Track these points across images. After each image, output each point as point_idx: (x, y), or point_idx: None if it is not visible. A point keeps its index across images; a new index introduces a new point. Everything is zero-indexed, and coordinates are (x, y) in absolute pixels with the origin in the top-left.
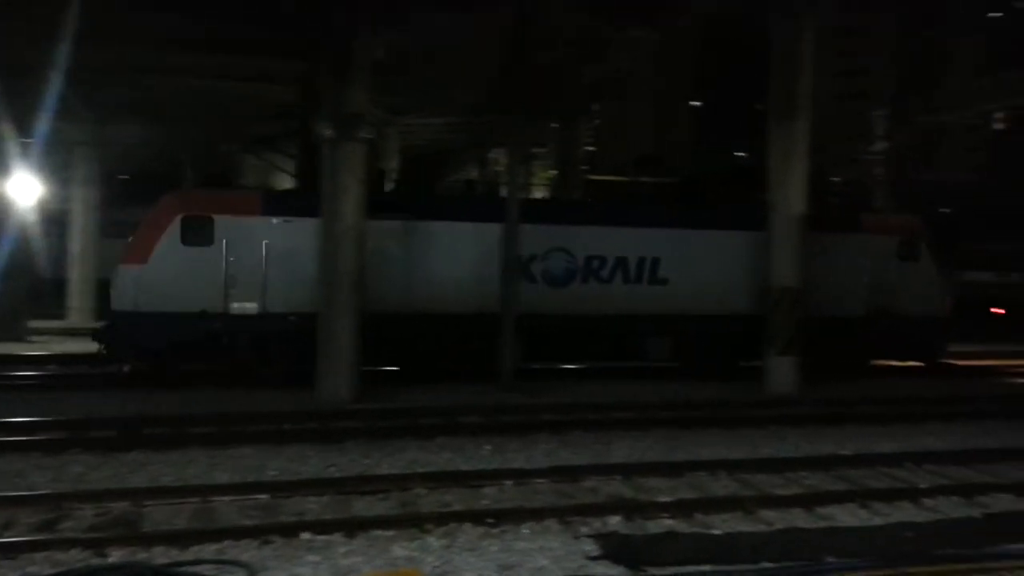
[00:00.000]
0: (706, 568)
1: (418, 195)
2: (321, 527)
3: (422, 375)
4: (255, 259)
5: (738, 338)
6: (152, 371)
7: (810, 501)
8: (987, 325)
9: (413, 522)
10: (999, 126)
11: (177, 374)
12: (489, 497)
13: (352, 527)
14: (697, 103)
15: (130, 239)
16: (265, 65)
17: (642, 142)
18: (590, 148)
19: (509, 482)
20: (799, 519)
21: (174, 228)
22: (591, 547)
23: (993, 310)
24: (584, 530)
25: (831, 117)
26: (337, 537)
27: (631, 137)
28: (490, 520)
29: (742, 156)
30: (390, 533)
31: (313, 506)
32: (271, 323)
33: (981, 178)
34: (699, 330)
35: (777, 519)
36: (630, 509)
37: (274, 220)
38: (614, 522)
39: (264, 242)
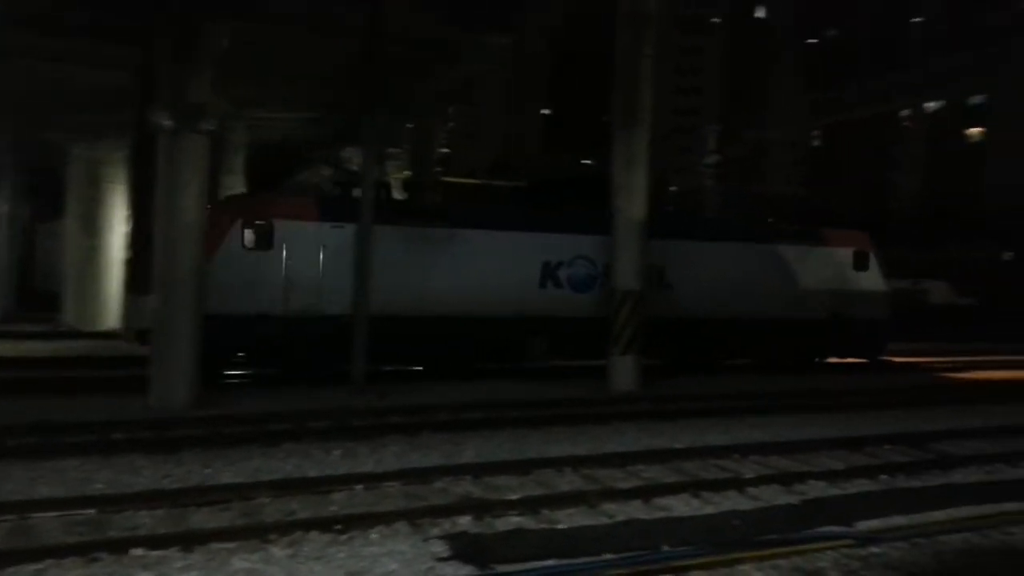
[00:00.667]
0: (552, 563)
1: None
2: (155, 542)
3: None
4: (313, 263)
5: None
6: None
7: (648, 493)
8: None
9: (256, 532)
10: (816, 143)
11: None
12: (337, 503)
13: (189, 540)
14: (547, 111)
15: None
16: (101, 49)
17: (495, 146)
18: (445, 150)
19: (358, 487)
20: (638, 511)
21: (235, 232)
22: (440, 548)
23: None
24: (434, 532)
25: (670, 130)
26: (173, 552)
27: (485, 141)
28: (338, 527)
29: (589, 163)
30: (231, 545)
31: (146, 520)
32: (326, 326)
33: (802, 190)
34: (570, 331)
35: (618, 511)
36: (479, 508)
37: (330, 225)
38: (464, 522)
39: (321, 247)
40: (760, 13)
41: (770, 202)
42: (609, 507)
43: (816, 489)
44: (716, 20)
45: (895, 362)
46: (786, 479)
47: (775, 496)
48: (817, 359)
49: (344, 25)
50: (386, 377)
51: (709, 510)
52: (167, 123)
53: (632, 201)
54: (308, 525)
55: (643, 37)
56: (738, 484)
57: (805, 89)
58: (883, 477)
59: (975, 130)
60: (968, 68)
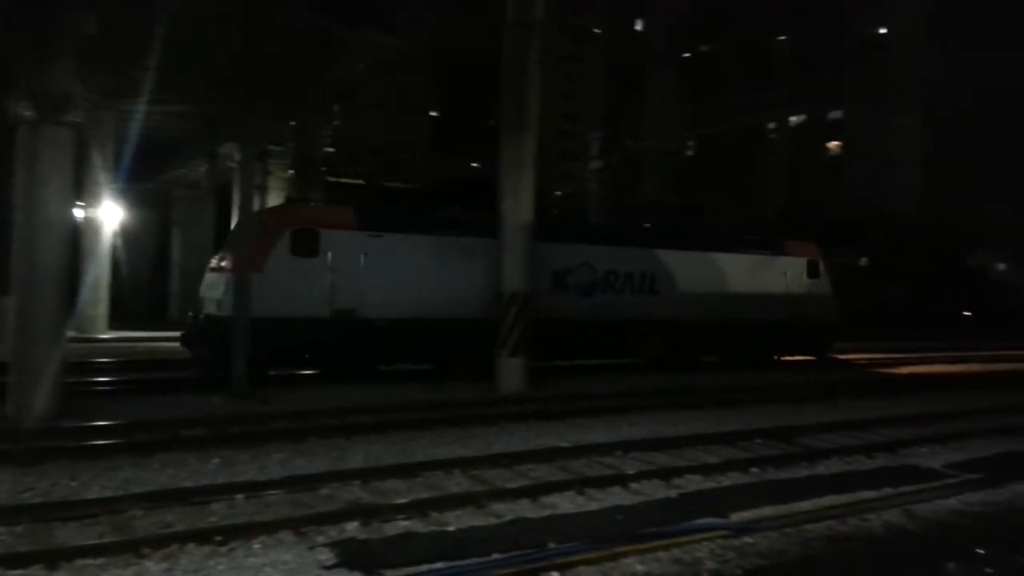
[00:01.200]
0: (441, 565)
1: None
2: (15, 560)
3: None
4: (354, 269)
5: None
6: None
7: (535, 492)
8: None
9: (128, 547)
10: (691, 152)
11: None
12: (217, 514)
13: (54, 558)
14: (435, 113)
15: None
16: None
17: (383, 147)
18: (330, 149)
19: (239, 496)
20: (526, 510)
21: (285, 239)
22: (327, 556)
23: None
24: (320, 539)
25: (554, 135)
26: (36, 570)
27: (373, 141)
28: (218, 538)
29: (477, 166)
30: (100, 561)
31: (4, 538)
32: (365, 328)
33: (677, 198)
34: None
35: (507, 511)
36: (367, 514)
37: (367, 234)
38: (351, 528)
39: (361, 254)
40: (639, 26)
41: (646, 208)
42: (498, 507)
43: (693, 483)
44: (597, 31)
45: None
46: (665, 474)
47: (655, 490)
48: (776, 357)
49: (220, 14)
50: (272, 382)
51: (594, 506)
52: (27, 114)
53: (519, 205)
54: (185, 538)
55: (530, 44)
56: (621, 480)
57: (680, 101)
58: (754, 470)
59: (833, 143)
60: (826, 85)
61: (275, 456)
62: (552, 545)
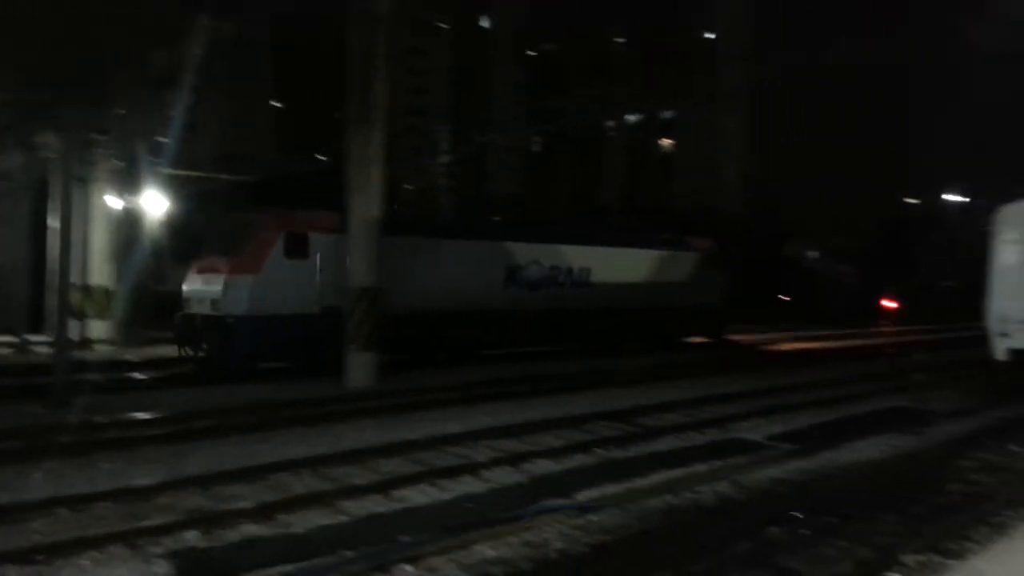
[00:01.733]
0: (289, 568)
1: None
2: None
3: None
4: (339, 268)
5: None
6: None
7: (387, 486)
8: None
9: None
10: (536, 148)
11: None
12: (39, 531)
13: None
14: (278, 104)
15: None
16: None
17: (222, 138)
18: (163, 140)
19: (63, 510)
20: (378, 505)
21: (280, 243)
22: (164, 568)
23: None
24: (156, 551)
25: (403, 130)
26: None
27: (210, 132)
28: (39, 557)
29: (323, 159)
30: None
31: None
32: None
33: (525, 192)
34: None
35: (357, 508)
36: (208, 521)
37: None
38: (191, 537)
39: (344, 255)
40: (485, 23)
41: (497, 203)
42: (348, 505)
43: (541, 467)
44: (444, 25)
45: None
46: (514, 460)
47: (505, 477)
48: (681, 339)
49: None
50: (103, 388)
51: (445, 497)
52: None
53: (368, 200)
54: (1, 559)
55: (377, 37)
56: (472, 469)
57: (526, 98)
58: (597, 451)
59: (667, 141)
60: (659, 86)
61: (105, 467)
62: (404, 538)
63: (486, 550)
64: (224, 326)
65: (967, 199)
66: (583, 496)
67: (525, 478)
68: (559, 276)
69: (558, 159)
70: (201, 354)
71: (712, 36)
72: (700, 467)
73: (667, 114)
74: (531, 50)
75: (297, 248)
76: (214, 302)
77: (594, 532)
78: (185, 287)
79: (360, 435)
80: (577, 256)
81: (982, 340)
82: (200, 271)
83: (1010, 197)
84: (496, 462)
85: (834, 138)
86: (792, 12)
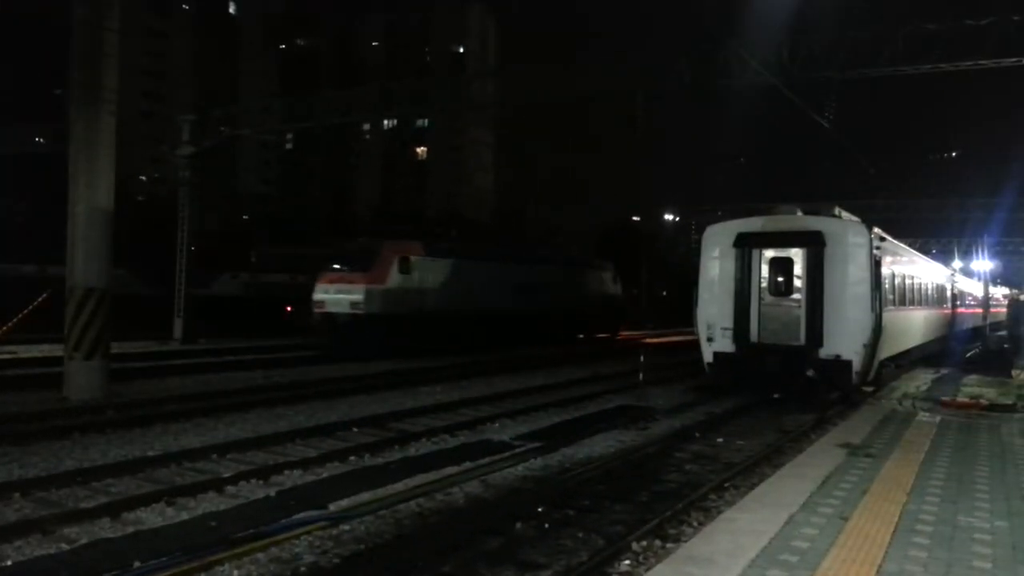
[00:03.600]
0: None
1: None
2: None
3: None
4: (431, 281)
5: None
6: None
7: (116, 509)
8: (280, 322)
9: None
10: (289, 145)
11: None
12: None
13: None
14: None
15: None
16: None
17: None
18: None
19: None
20: (106, 530)
21: (396, 263)
22: None
23: (287, 308)
24: None
25: (139, 116)
26: None
27: None
28: None
29: (41, 141)
30: None
31: None
32: (440, 316)
33: (276, 189)
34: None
35: (81, 534)
36: None
37: (430, 259)
38: None
39: (428, 271)
40: (231, 10)
41: (247, 201)
42: (70, 531)
43: (293, 478)
44: (185, 7)
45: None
46: (264, 472)
47: (254, 491)
48: (595, 334)
49: None
50: None
51: (185, 516)
52: None
53: (95, 189)
54: None
55: (106, 10)
56: (216, 485)
57: (277, 92)
58: (352, 458)
59: (421, 148)
60: (413, 93)
61: None
62: (137, 564)
63: (231, 570)
64: (363, 321)
65: (678, 218)
66: (336, 506)
67: (275, 491)
68: (537, 287)
69: (312, 159)
70: (338, 341)
71: (461, 50)
72: (452, 469)
73: (421, 122)
74: (282, 43)
75: (405, 267)
76: (353, 303)
77: (347, 542)
78: (319, 295)
79: (85, 453)
80: (542, 273)
81: (694, 343)
82: (331, 281)
83: (715, 218)
84: (243, 476)
85: (574, 157)
86: (536, 36)
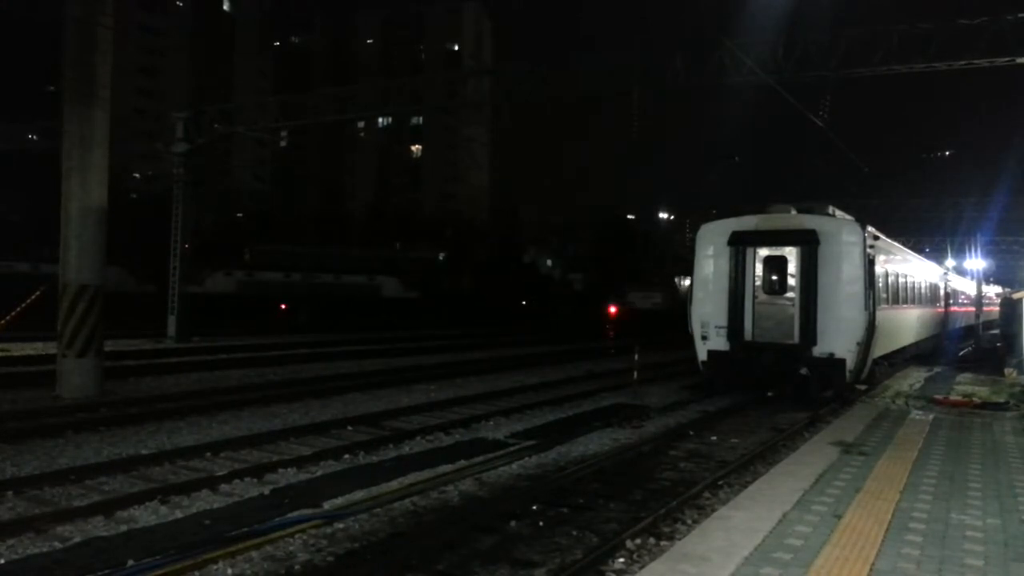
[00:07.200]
0: None
1: None
2: None
3: None
4: None
5: None
6: None
7: (110, 507)
8: (274, 320)
9: None
10: (284, 143)
11: None
12: None
13: None
14: None
15: None
16: None
17: None
18: None
19: None
20: (99, 528)
21: None
22: None
23: (282, 306)
24: None
25: (133, 113)
26: None
27: None
28: None
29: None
30: None
31: None
32: None
33: (270, 186)
34: None
35: (75, 532)
36: None
37: None
38: None
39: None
40: (226, 6)
41: (243, 199)
42: (64, 530)
43: (287, 476)
44: (179, 3)
45: None
46: (258, 471)
47: (248, 489)
48: None
49: None
50: None
51: (179, 515)
52: None
53: (88, 186)
54: None
55: (99, 7)
56: (210, 483)
57: (272, 89)
58: (347, 457)
59: (416, 147)
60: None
61: None
62: (131, 563)
63: (225, 569)
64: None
65: (673, 216)
66: (331, 504)
67: (269, 490)
68: None
69: (307, 157)
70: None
71: (456, 48)
72: (447, 467)
73: (417, 120)
74: (277, 40)
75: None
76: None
77: (341, 540)
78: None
79: (79, 452)
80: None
81: (688, 341)
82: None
83: (709, 216)
84: (238, 474)
85: (568, 155)
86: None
